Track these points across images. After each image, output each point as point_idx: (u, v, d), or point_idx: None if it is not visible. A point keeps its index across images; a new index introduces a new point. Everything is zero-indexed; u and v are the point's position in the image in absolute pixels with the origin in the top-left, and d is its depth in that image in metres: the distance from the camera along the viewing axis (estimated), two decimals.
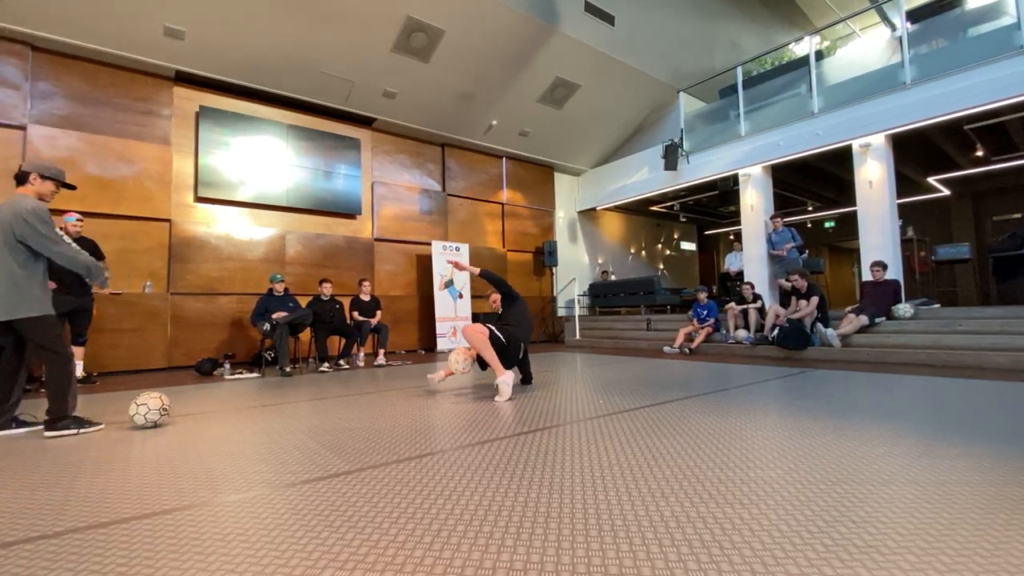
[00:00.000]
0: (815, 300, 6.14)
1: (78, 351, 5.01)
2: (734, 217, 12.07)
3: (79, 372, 4.97)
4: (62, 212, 5.67)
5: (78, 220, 5.01)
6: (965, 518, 1.40)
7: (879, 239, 6.68)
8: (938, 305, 6.36)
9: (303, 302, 6.28)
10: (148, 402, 2.89)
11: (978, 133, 7.35)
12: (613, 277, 11.59)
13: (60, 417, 2.75)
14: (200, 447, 2.43)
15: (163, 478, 1.95)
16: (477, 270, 4.25)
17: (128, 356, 6.02)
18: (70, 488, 1.85)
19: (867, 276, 6.44)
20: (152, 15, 5.79)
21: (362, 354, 6.53)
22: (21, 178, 2.87)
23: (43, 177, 2.90)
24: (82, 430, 2.77)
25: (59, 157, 5.77)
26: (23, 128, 5.66)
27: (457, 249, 8.99)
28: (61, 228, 4.90)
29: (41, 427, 2.79)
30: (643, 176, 10.00)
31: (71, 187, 3.11)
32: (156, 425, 2.91)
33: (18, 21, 5.45)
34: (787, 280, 7.17)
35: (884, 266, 6.23)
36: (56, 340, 2.83)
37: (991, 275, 7.46)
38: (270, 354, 6.20)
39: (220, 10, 5.96)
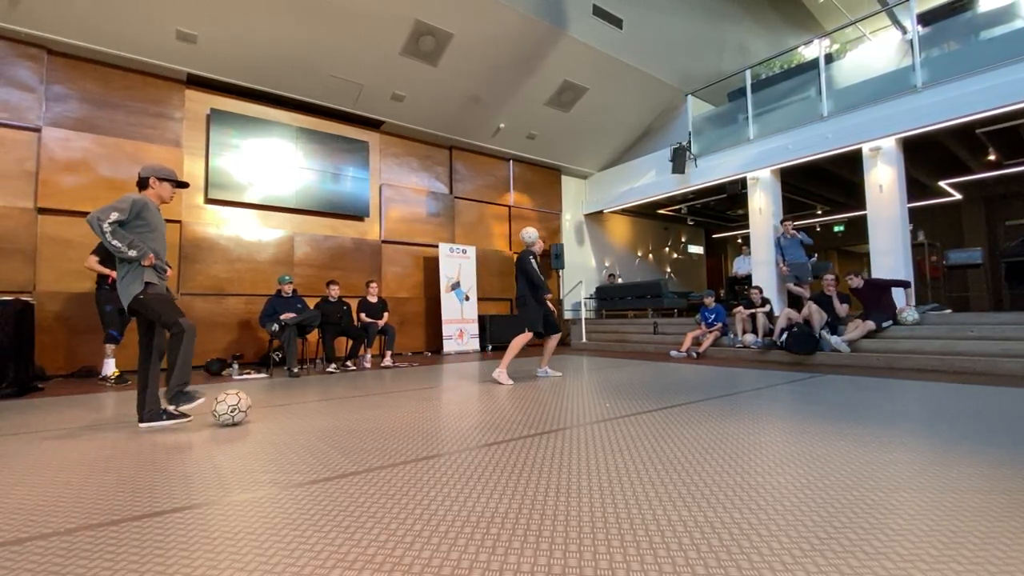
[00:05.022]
0: (845, 307, 6.14)
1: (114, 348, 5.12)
2: (742, 220, 12.04)
3: (111, 370, 5.05)
4: (77, 214, 5.79)
5: None
6: (976, 526, 1.38)
7: (889, 243, 6.63)
8: (949, 310, 6.29)
9: (311, 303, 6.32)
10: (239, 402, 2.94)
11: (991, 137, 7.28)
12: (620, 280, 11.57)
13: (178, 392, 2.93)
14: (209, 446, 2.45)
15: (173, 476, 1.97)
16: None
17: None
18: (81, 486, 1.88)
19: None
20: (165, 19, 5.87)
21: (369, 355, 6.56)
22: (142, 183, 3.11)
23: (160, 179, 3.14)
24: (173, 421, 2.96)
25: (72, 159, 5.86)
26: (38, 130, 5.74)
27: (464, 251, 9.02)
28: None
29: (189, 419, 3.01)
30: (650, 179, 9.98)
31: (184, 185, 3.31)
32: (235, 424, 2.94)
33: (34, 25, 5.54)
34: (796, 285, 7.14)
35: (855, 273, 6.18)
36: (167, 315, 2.96)
37: (1003, 280, 7.36)
38: (278, 355, 6.24)
39: (231, 14, 6.03)
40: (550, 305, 4.90)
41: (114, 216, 2.86)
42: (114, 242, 2.86)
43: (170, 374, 2.93)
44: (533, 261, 4.76)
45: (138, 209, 2.96)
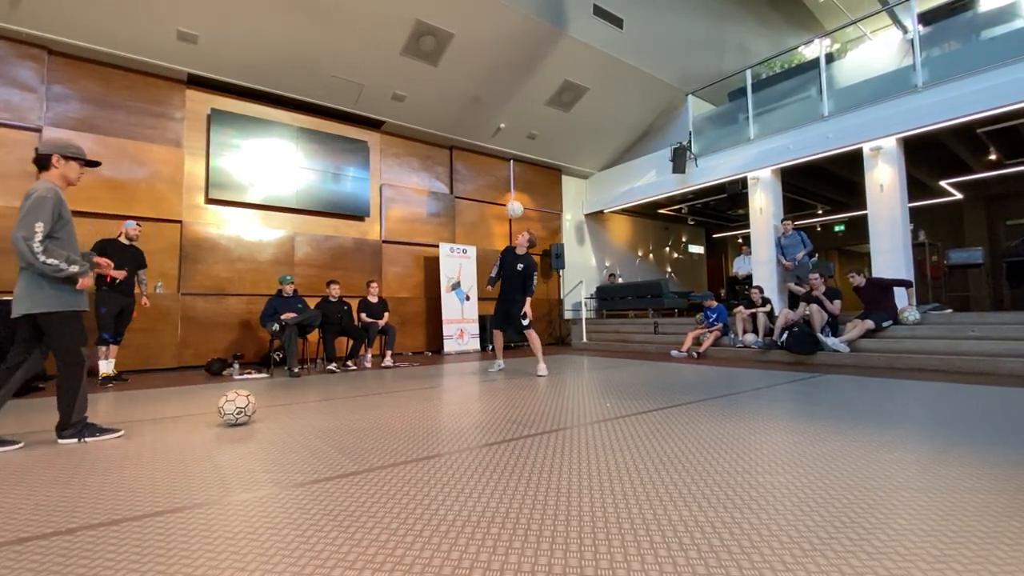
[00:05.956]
0: (838, 303, 6.12)
1: (112, 349, 5.13)
2: (743, 220, 12.04)
3: (110, 370, 5.06)
4: (77, 214, 5.78)
5: (137, 225, 5.37)
6: (977, 526, 1.38)
7: (890, 243, 6.62)
8: (950, 310, 6.28)
9: (312, 303, 6.32)
10: (247, 406, 2.92)
11: (991, 136, 7.27)
12: (620, 280, 11.56)
13: (66, 424, 2.58)
14: (210, 446, 2.45)
15: (174, 476, 1.97)
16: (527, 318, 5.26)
17: (139, 355, 6.08)
18: (83, 485, 1.88)
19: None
20: (165, 19, 5.87)
21: (369, 355, 6.56)
22: (42, 163, 2.56)
23: (66, 158, 2.60)
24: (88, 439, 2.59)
25: None
26: (39, 130, 5.74)
27: (464, 251, 9.02)
28: (120, 233, 5.12)
29: (19, 445, 2.48)
30: (651, 179, 9.97)
31: (96, 164, 2.83)
32: (237, 424, 2.92)
33: (35, 25, 5.54)
34: (797, 284, 7.14)
35: (857, 271, 6.17)
36: (72, 342, 2.57)
37: (1004, 280, 7.36)
38: (279, 355, 6.25)
39: (232, 14, 6.03)
40: (526, 307, 5.21)
41: (40, 230, 2.37)
42: (49, 261, 2.39)
43: (68, 407, 2.55)
44: (500, 259, 5.36)
45: (58, 207, 2.48)
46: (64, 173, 2.62)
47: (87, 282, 2.58)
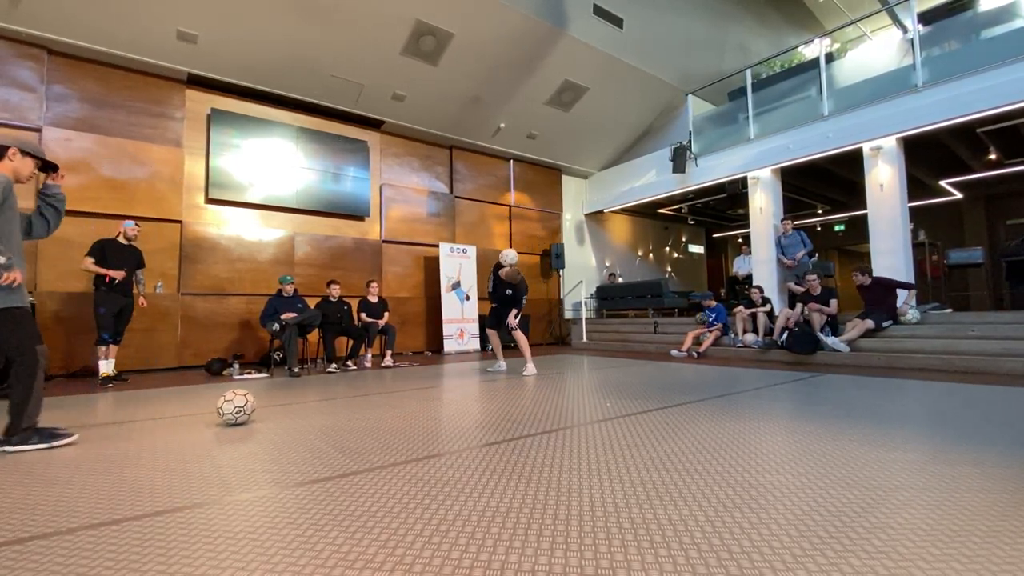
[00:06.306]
0: (835, 303, 6.12)
1: (112, 349, 5.13)
2: (743, 220, 12.04)
3: (110, 370, 5.05)
4: (78, 214, 5.78)
5: (136, 225, 5.39)
6: (977, 525, 1.38)
7: (890, 243, 6.62)
8: (950, 310, 6.28)
9: (312, 303, 6.32)
10: (245, 404, 2.91)
11: (991, 136, 7.27)
12: (620, 280, 11.56)
13: (14, 429, 2.42)
14: (210, 446, 2.45)
15: (174, 476, 1.97)
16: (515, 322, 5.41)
17: (139, 355, 6.08)
18: (83, 485, 1.88)
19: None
20: (165, 19, 5.86)
21: (369, 355, 6.56)
22: None
23: (23, 153, 2.54)
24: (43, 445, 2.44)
25: (74, 158, 5.86)
26: (39, 130, 5.74)
27: (465, 251, 9.02)
28: (119, 233, 5.12)
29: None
30: (651, 179, 9.97)
31: (52, 168, 2.69)
32: (238, 424, 2.92)
33: (35, 25, 5.54)
34: (796, 284, 7.14)
35: (862, 270, 6.12)
36: (26, 340, 2.46)
37: (1004, 280, 7.35)
38: (279, 355, 6.25)
39: (232, 14, 6.03)
40: (509, 317, 5.42)
41: None
42: None
43: (16, 409, 2.40)
44: (493, 276, 5.56)
45: (6, 194, 2.39)
46: (16, 167, 2.53)
47: (11, 276, 2.40)
